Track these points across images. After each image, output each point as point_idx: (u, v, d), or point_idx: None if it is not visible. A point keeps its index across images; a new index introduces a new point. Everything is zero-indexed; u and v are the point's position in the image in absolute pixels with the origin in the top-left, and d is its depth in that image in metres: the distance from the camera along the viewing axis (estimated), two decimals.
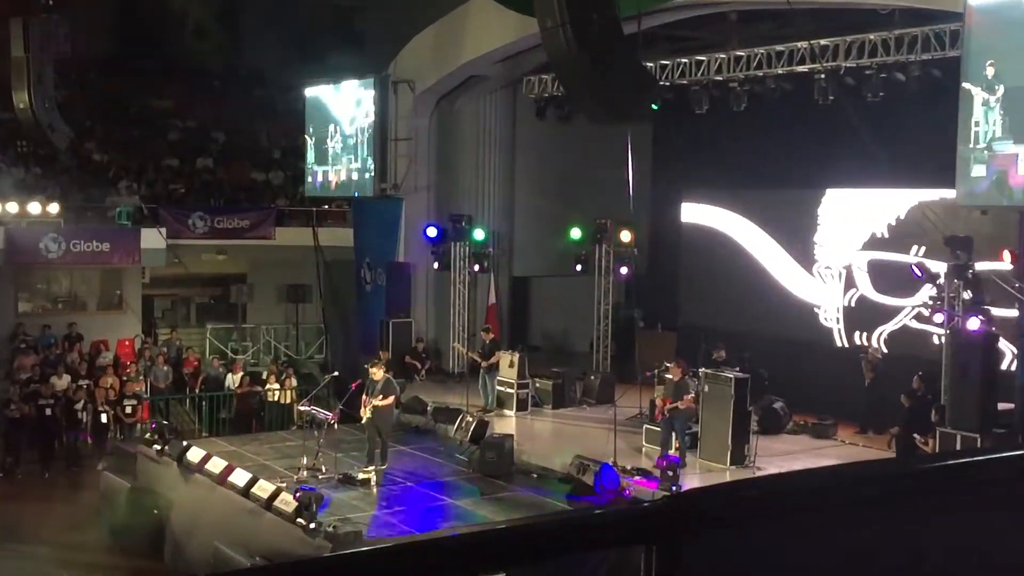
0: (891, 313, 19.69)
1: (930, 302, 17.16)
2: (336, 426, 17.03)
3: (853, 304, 20.43)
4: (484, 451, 17.19)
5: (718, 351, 19.70)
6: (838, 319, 20.69)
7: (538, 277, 27.90)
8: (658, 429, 17.20)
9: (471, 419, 18.49)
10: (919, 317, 18.92)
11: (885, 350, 19.49)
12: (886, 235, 19.86)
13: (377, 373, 16.61)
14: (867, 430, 18.81)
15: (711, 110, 20.69)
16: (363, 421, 16.70)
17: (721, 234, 22.94)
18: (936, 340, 18.05)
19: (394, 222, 25.78)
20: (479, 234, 24.62)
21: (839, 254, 20.62)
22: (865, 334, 20.09)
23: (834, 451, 17.78)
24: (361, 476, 16.35)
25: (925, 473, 1.91)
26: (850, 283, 20.46)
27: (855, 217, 20.32)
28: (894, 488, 1.87)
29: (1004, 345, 16.63)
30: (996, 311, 16.10)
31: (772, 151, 21.61)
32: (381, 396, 16.45)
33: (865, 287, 20.24)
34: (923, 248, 18.81)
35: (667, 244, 24.79)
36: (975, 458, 1.96)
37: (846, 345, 20.36)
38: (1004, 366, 16.69)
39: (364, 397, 16.58)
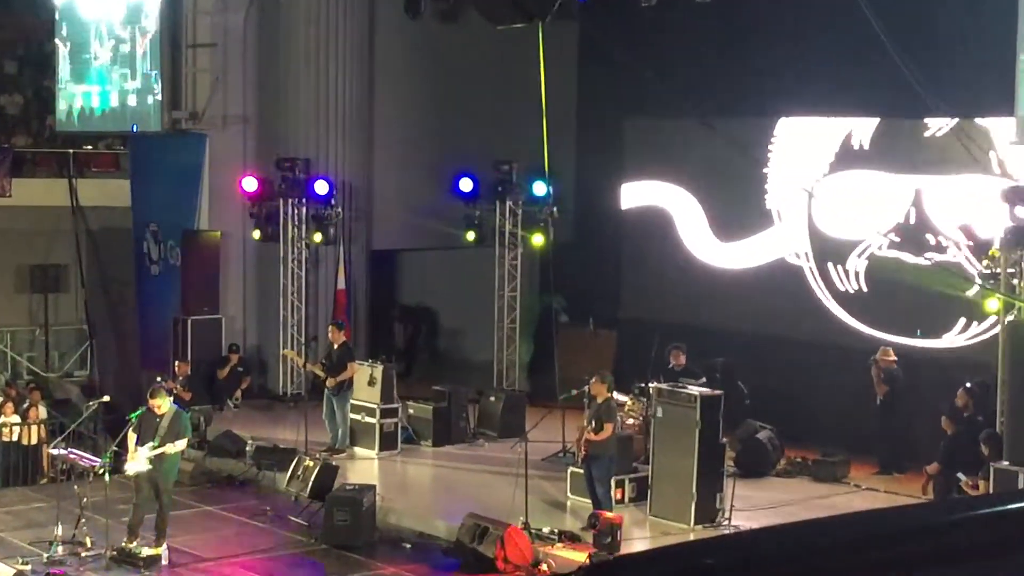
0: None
1: (979, 281, 17.54)
2: (107, 477, 16.81)
3: None
4: (332, 510, 17.17)
5: (676, 356, 19.91)
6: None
7: (410, 251, 27.88)
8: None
9: (312, 464, 18.46)
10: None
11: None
12: None
13: (163, 405, 16.42)
14: (891, 469, 19.21)
15: (662, 2, 20.82)
16: (129, 472, 16.49)
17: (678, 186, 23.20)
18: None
19: (193, 171, 25.56)
20: (321, 187, 24.50)
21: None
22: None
23: (845, 500, 18.13)
24: (146, 552, 16.19)
25: (959, 526, 1.93)
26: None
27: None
28: (916, 549, 1.89)
29: None
30: None
31: (750, 61, 21.83)
32: (159, 439, 16.13)
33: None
34: None
35: (601, 201, 24.93)
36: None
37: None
38: None
39: (133, 438, 16.34)
